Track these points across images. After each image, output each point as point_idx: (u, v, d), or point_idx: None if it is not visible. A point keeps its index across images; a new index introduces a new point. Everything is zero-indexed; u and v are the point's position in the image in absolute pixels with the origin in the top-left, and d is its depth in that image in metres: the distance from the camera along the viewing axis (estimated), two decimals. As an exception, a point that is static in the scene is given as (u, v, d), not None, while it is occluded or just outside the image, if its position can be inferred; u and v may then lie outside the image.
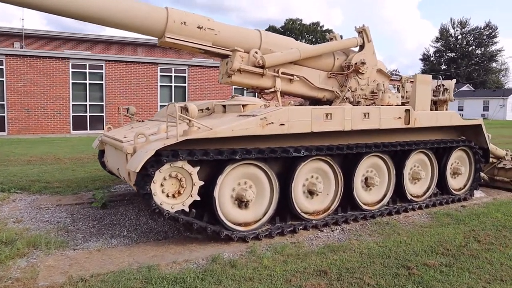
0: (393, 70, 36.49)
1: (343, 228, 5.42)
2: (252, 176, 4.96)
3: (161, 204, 4.28)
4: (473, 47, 61.97)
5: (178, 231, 5.24)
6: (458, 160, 7.14)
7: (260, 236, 4.87)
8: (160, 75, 19.81)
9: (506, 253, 4.55)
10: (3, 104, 17.23)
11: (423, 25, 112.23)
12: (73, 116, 18.32)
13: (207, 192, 4.68)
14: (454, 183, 7.12)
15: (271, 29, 62.27)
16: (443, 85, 7.28)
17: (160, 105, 19.53)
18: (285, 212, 5.30)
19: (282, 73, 6.41)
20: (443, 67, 61.95)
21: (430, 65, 64.15)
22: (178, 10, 5.79)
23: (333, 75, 7.06)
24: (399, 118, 5.96)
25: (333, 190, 5.65)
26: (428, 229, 5.37)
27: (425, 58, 67.02)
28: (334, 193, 5.66)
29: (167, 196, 4.36)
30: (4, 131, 17.30)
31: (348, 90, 7.02)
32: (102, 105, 18.82)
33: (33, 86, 17.47)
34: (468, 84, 55.01)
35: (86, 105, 18.61)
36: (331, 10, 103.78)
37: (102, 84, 18.71)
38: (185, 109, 4.39)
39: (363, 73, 7.12)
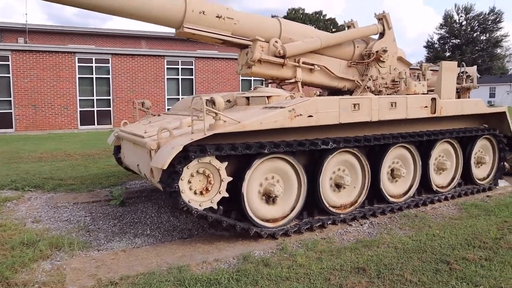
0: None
1: (371, 221, 5.27)
2: (279, 170, 4.80)
3: (189, 201, 4.13)
4: (478, 33, 61.18)
5: (203, 229, 5.10)
6: (482, 149, 6.96)
7: (289, 232, 4.72)
8: (167, 68, 19.56)
9: (545, 245, 4.39)
10: (10, 100, 17.07)
11: (426, 12, 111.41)
12: (80, 111, 18.14)
13: (233, 188, 4.52)
14: (479, 172, 6.95)
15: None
16: (466, 72, 7.07)
17: (168, 98, 19.32)
18: (311, 206, 5.14)
19: (303, 62, 6.21)
20: (448, 54, 61.28)
21: (434, 52, 63.50)
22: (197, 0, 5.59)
23: (354, 64, 6.86)
24: (426, 107, 5.77)
25: (360, 183, 5.49)
26: (459, 221, 5.21)
27: (429, 45, 66.36)
28: (361, 185, 5.50)
29: (195, 193, 4.21)
30: (12, 127, 17.15)
31: (369, 79, 6.82)
32: (109, 99, 18.62)
33: (39, 82, 17.27)
34: (473, 71, 54.48)
35: (93, 99, 18.40)
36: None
37: (108, 78, 18.49)
38: (211, 102, 4.22)
39: (384, 61, 6.92)
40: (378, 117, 5.25)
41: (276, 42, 5.98)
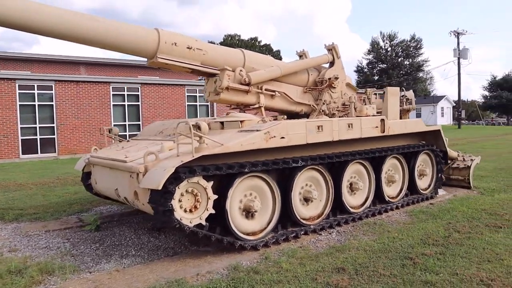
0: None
1: (338, 230, 5.85)
2: (256, 187, 5.27)
3: (180, 219, 4.46)
4: (402, 58, 66.22)
5: (185, 246, 5.41)
6: (423, 162, 7.88)
7: (268, 243, 5.17)
8: (113, 94, 19.46)
9: (484, 239, 5.20)
10: None
11: (352, 39, 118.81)
12: (22, 139, 17.48)
13: (216, 206, 4.90)
14: (421, 183, 7.84)
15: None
16: (406, 96, 8.01)
17: (114, 125, 19.16)
18: (284, 219, 5.63)
19: (266, 89, 6.79)
20: (376, 77, 65.42)
21: (364, 76, 67.59)
22: (168, 31, 6.01)
23: (309, 90, 7.56)
24: (376, 127, 6.54)
25: (324, 196, 6.08)
26: (412, 225, 5.94)
27: (359, 70, 70.54)
28: (326, 199, 6.09)
29: (185, 211, 4.55)
30: None
31: (323, 103, 7.53)
32: (53, 126, 18.13)
33: (-24, 110, 16.55)
34: (400, 93, 58.77)
35: (35, 127, 17.82)
36: (264, 26, 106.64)
37: (52, 105, 18.04)
38: (196, 127, 4.62)
39: (336, 87, 7.68)
40: (338, 137, 5.91)
41: (241, 71, 6.51)
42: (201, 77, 18.09)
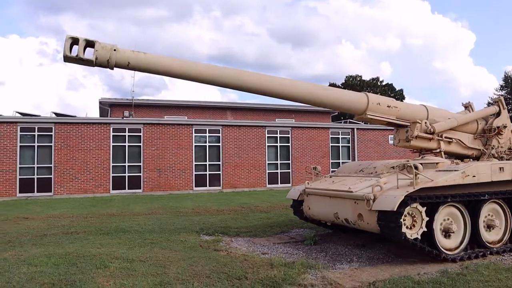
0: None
1: (518, 254, 7.13)
2: (452, 214, 6.88)
3: (405, 233, 6.25)
4: (541, 92, 61.41)
5: (392, 258, 7.11)
6: None
7: (463, 258, 6.69)
8: (268, 136, 22.48)
9: None
10: (140, 165, 20.37)
11: (477, 72, 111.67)
12: (195, 174, 21.12)
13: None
14: None
15: (332, 85, 64.55)
16: None
17: (268, 163, 22.03)
18: (470, 242, 7.08)
19: (445, 137, 8.42)
20: (511, 114, 61.27)
21: (496, 113, 63.74)
22: (373, 95, 8.05)
23: (478, 137, 8.98)
24: (547, 168, 7.72)
25: (503, 225, 7.41)
26: None
27: (491, 105, 66.74)
28: (504, 227, 7.41)
29: (407, 228, 6.33)
30: (140, 188, 20.29)
31: (492, 148, 8.88)
32: (219, 164, 21.58)
33: (164, 149, 20.60)
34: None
35: (206, 164, 21.44)
36: (379, 64, 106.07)
37: (219, 146, 21.59)
38: (415, 167, 6.44)
39: (502, 134, 8.98)
40: (516, 176, 7.27)
41: (426, 122, 8.25)
42: (338, 120, 19.96)
